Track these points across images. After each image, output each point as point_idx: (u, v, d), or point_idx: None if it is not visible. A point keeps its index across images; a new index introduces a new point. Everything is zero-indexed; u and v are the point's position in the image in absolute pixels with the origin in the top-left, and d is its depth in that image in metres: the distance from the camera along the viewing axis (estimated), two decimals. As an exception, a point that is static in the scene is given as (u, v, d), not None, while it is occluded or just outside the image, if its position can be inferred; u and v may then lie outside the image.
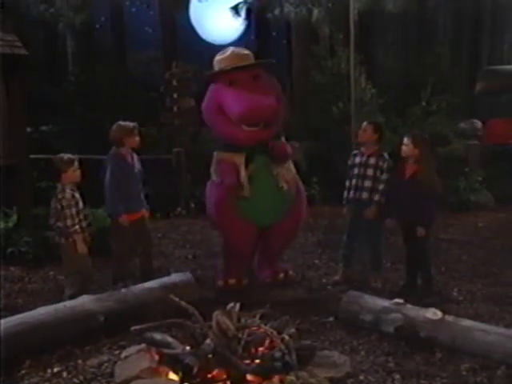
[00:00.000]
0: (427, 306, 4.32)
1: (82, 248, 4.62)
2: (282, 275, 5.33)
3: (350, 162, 5.41)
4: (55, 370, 3.78)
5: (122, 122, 5.02)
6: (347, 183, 5.41)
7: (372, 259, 5.48)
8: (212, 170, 5.20)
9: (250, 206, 4.91)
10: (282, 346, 2.92)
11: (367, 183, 5.22)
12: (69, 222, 4.55)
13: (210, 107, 4.98)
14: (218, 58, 4.98)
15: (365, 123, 5.36)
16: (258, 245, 5.27)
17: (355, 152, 5.43)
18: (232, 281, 5.14)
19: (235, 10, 11.42)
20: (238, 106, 4.61)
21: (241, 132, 4.77)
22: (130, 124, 5.00)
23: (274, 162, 4.98)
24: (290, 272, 5.43)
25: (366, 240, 5.44)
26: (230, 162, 4.88)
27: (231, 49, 4.99)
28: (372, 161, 5.22)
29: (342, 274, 5.55)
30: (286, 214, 5.07)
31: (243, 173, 4.85)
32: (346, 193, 5.42)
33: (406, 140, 4.93)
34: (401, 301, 4.32)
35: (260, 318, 3.29)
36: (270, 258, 5.36)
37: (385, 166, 5.21)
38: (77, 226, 4.58)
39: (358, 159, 5.31)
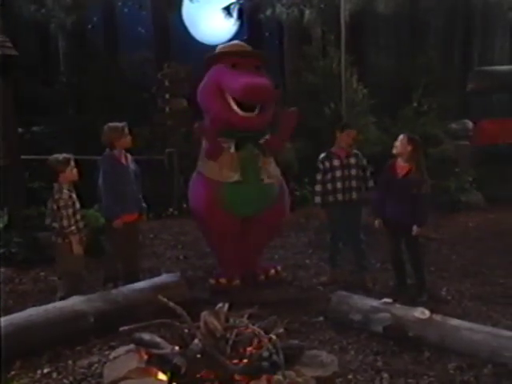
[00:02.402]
0: (417, 305, 4.36)
1: (77, 249, 4.59)
2: (272, 271, 5.48)
3: (323, 166, 5.33)
4: (45, 370, 3.80)
5: (111, 124, 4.99)
6: (319, 188, 5.33)
7: (357, 259, 5.52)
8: (200, 157, 5.30)
9: (235, 194, 5.02)
10: (270, 346, 2.94)
11: (354, 183, 5.30)
12: (65, 223, 4.53)
13: (208, 88, 5.10)
14: (221, 46, 5.27)
15: (347, 128, 5.44)
16: (242, 241, 5.30)
17: (326, 154, 5.36)
18: (223, 280, 5.22)
19: (227, 10, 11.45)
20: (241, 83, 4.77)
21: (236, 116, 4.89)
22: (119, 125, 4.97)
23: (263, 154, 5.10)
24: (279, 268, 5.59)
25: (350, 240, 5.50)
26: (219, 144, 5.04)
27: (235, 41, 5.39)
28: (353, 161, 5.31)
29: (329, 275, 5.59)
30: (268, 207, 5.15)
31: (235, 157, 4.99)
32: (319, 198, 5.35)
33: (400, 137, 4.95)
34: (389, 300, 4.35)
35: (248, 318, 3.30)
36: (254, 252, 5.45)
37: (364, 162, 5.37)
38: (73, 227, 4.55)
39: (336, 162, 5.31)
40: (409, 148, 4.88)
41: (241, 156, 5.00)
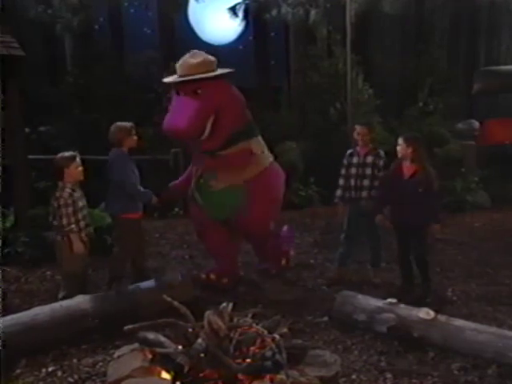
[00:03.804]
0: (422, 305, 4.35)
1: (78, 248, 4.59)
2: (283, 261, 5.73)
3: (345, 162, 5.45)
4: (50, 369, 3.82)
5: (119, 123, 5.04)
6: (342, 182, 5.44)
7: (372, 256, 5.55)
8: None
9: (205, 203, 5.28)
10: (273, 346, 2.95)
11: (366, 182, 5.30)
12: (64, 221, 4.54)
13: None
14: (177, 64, 5.02)
15: (359, 126, 5.43)
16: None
17: (351, 151, 5.46)
18: (212, 276, 5.36)
19: (233, 10, 11.47)
20: (166, 119, 5.00)
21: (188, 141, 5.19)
22: (127, 125, 5.03)
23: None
24: (291, 253, 5.89)
25: (366, 237, 5.51)
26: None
27: (185, 57, 4.98)
28: (369, 160, 5.31)
29: (336, 272, 5.60)
30: (243, 207, 5.20)
31: (194, 173, 5.31)
32: (340, 191, 5.44)
33: (399, 140, 5.00)
34: (394, 300, 4.35)
35: (252, 318, 3.32)
36: (254, 246, 5.79)
37: (381, 163, 5.32)
38: (73, 226, 4.56)
39: (355, 159, 5.36)
40: (409, 150, 4.89)
41: (200, 168, 5.25)
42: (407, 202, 4.91)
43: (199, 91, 4.82)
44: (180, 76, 4.94)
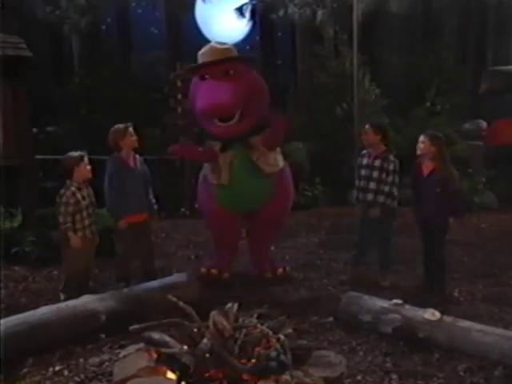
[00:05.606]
0: (428, 306, 4.34)
1: (76, 244, 4.65)
2: (280, 270, 5.55)
3: (358, 163, 5.45)
4: (57, 368, 3.83)
5: (115, 126, 5.01)
6: (356, 183, 5.46)
7: (380, 258, 5.51)
8: None
9: (227, 193, 5.17)
10: (278, 346, 2.96)
11: (372, 185, 5.24)
12: (61, 219, 4.63)
13: (191, 100, 5.21)
14: (199, 52, 5.10)
15: (366, 126, 5.38)
16: (245, 236, 5.57)
17: (364, 152, 5.41)
18: (214, 271, 5.35)
19: (240, 10, 11.49)
20: (200, 101, 4.86)
21: (215, 126, 4.98)
22: (121, 126, 4.97)
23: (254, 150, 5.13)
24: (288, 268, 5.65)
25: (376, 240, 5.48)
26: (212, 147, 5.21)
27: (210, 44, 5.14)
28: (377, 163, 5.23)
29: (350, 274, 5.58)
30: (269, 199, 5.23)
31: (221, 160, 5.09)
32: (356, 192, 5.47)
33: (422, 138, 4.91)
34: (399, 301, 4.34)
35: (257, 318, 3.33)
36: (259, 247, 5.55)
37: (390, 167, 5.19)
38: (69, 224, 4.62)
39: (365, 161, 5.32)
40: (432, 148, 4.84)
41: (230, 155, 5.09)
42: (425, 200, 4.91)
43: (231, 71, 4.89)
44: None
